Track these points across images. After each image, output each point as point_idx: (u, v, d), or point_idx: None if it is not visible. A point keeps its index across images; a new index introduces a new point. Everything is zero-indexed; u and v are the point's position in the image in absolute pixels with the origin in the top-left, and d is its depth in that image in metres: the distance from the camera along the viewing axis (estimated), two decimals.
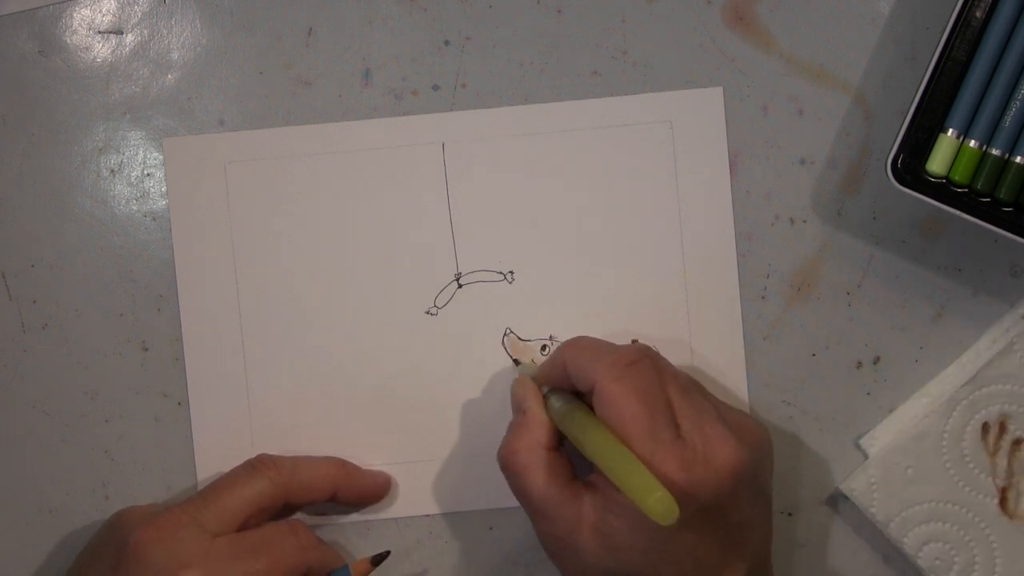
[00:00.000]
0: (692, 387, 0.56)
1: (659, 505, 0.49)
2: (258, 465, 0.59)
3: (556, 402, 0.57)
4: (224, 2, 0.63)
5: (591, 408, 0.55)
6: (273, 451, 0.61)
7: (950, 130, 0.58)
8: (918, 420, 0.61)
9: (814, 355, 0.63)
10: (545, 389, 0.58)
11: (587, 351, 0.56)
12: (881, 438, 0.62)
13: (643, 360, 0.55)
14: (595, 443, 0.53)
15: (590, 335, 0.62)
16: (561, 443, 0.57)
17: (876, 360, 0.63)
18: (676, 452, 0.52)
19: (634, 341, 0.62)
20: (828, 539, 0.63)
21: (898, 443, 0.61)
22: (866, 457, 0.62)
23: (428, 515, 0.63)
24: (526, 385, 0.59)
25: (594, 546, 0.54)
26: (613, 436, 0.53)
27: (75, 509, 0.63)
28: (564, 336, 0.63)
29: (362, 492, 0.62)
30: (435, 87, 0.63)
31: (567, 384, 0.57)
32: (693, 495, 0.52)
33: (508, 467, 0.57)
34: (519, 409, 0.58)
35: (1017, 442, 0.61)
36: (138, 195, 0.63)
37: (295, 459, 0.60)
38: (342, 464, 0.61)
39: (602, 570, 0.54)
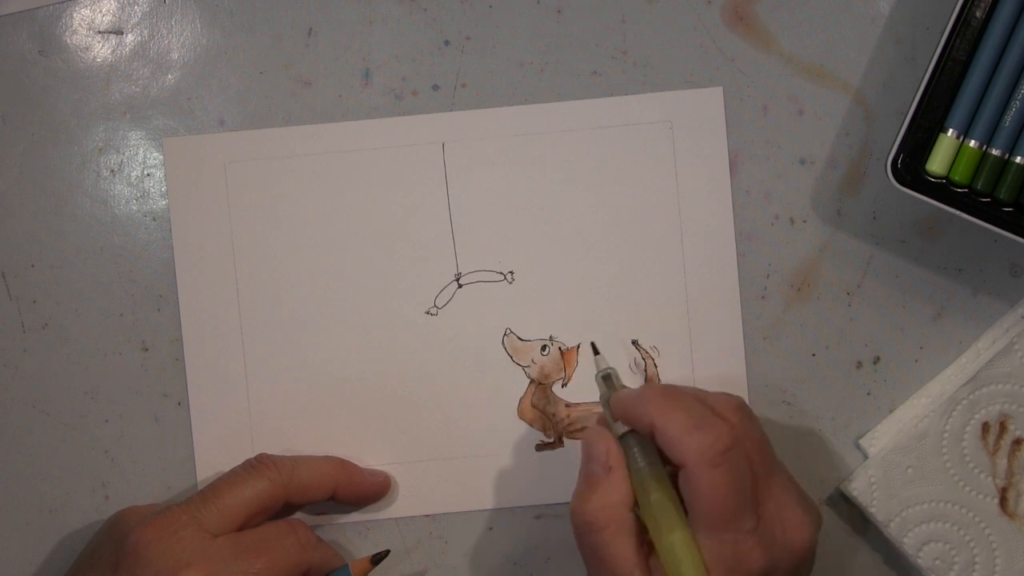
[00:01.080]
0: (772, 458, 0.55)
1: None
2: (258, 465, 0.59)
3: (639, 460, 0.55)
4: (224, 2, 0.63)
5: (671, 470, 0.54)
6: (273, 451, 0.61)
7: (950, 130, 0.58)
8: (918, 420, 0.61)
9: (814, 355, 0.63)
10: (622, 429, 0.56)
11: (678, 422, 0.53)
12: (881, 438, 0.62)
13: (736, 447, 0.53)
14: (670, 545, 0.52)
15: (590, 335, 0.62)
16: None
17: (876, 360, 0.63)
18: (759, 544, 0.52)
19: (634, 342, 0.62)
20: (828, 539, 0.63)
21: (898, 443, 0.61)
22: (866, 457, 0.62)
23: (428, 515, 0.63)
24: (610, 442, 0.56)
25: None
26: (692, 539, 0.52)
27: (75, 509, 0.63)
28: (564, 336, 0.63)
29: (362, 491, 0.62)
30: (435, 87, 0.63)
31: (647, 434, 0.55)
32: (769, 575, 0.53)
33: (588, 525, 0.54)
34: (602, 465, 0.55)
35: (1017, 442, 0.61)
36: (138, 195, 0.63)
37: (295, 459, 0.60)
38: (342, 463, 0.61)
39: None
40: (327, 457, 0.62)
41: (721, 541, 0.52)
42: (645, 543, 0.54)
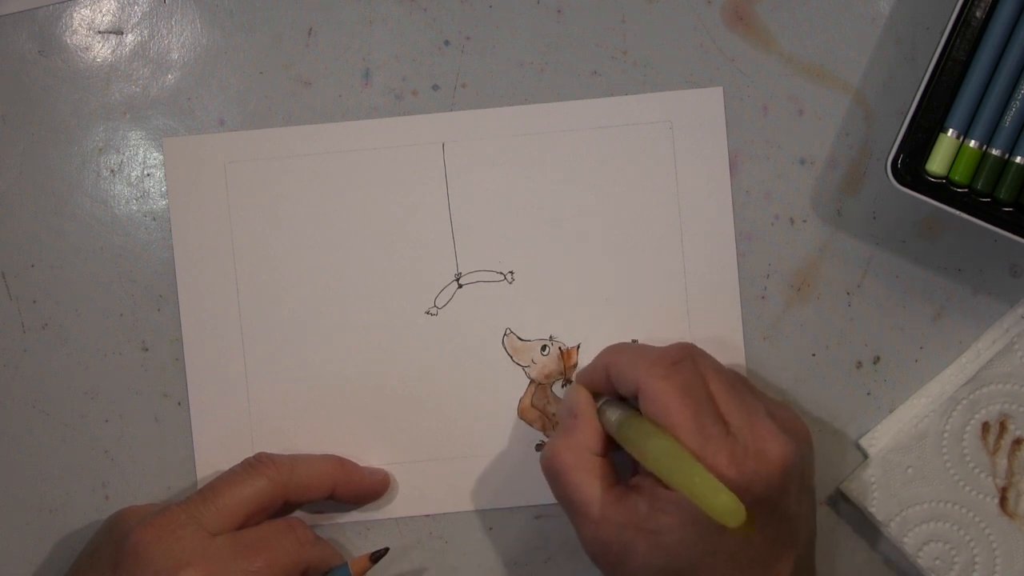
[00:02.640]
0: (739, 383, 0.56)
1: (726, 506, 0.49)
2: (257, 464, 0.59)
3: (612, 413, 0.56)
4: (224, 2, 0.63)
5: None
6: (273, 451, 0.61)
7: (950, 130, 0.58)
8: (918, 420, 0.61)
9: (814, 355, 0.63)
10: (600, 400, 0.58)
11: (628, 354, 0.56)
12: (881, 438, 0.62)
13: (685, 359, 0.55)
14: (656, 449, 0.52)
15: (590, 335, 0.62)
16: (607, 451, 0.57)
17: (876, 360, 0.63)
18: (727, 448, 0.52)
19: (634, 341, 0.63)
20: (828, 539, 0.63)
21: (898, 443, 0.61)
22: (866, 457, 0.62)
23: (428, 515, 0.63)
24: (580, 392, 0.58)
25: (644, 546, 0.54)
26: (674, 441, 0.52)
27: (75, 509, 0.63)
28: (564, 336, 0.63)
29: (361, 490, 0.62)
30: (435, 87, 0.63)
31: (609, 389, 0.57)
32: (745, 490, 0.52)
33: (553, 468, 0.56)
34: (570, 413, 0.58)
35: (1017, 442, 0.61)
36: (138, 195, 0.63)
37: (294, 457, 0.60)
38: (341, 462, 0.61)
39: (654, 569, 0.54)
40: (326, 456, 0.62)
41: (690, 449, 0.52)
42: (618, 486, 0.55)
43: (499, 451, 0.63)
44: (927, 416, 0.61)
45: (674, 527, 0.53)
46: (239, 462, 0.60)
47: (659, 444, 0.52)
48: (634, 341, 0.62)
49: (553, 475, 0.57)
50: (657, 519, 0.53)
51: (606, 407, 0.57)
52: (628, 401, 0.57)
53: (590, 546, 0.56)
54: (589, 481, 0.55)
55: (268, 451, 0.61)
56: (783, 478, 0.53)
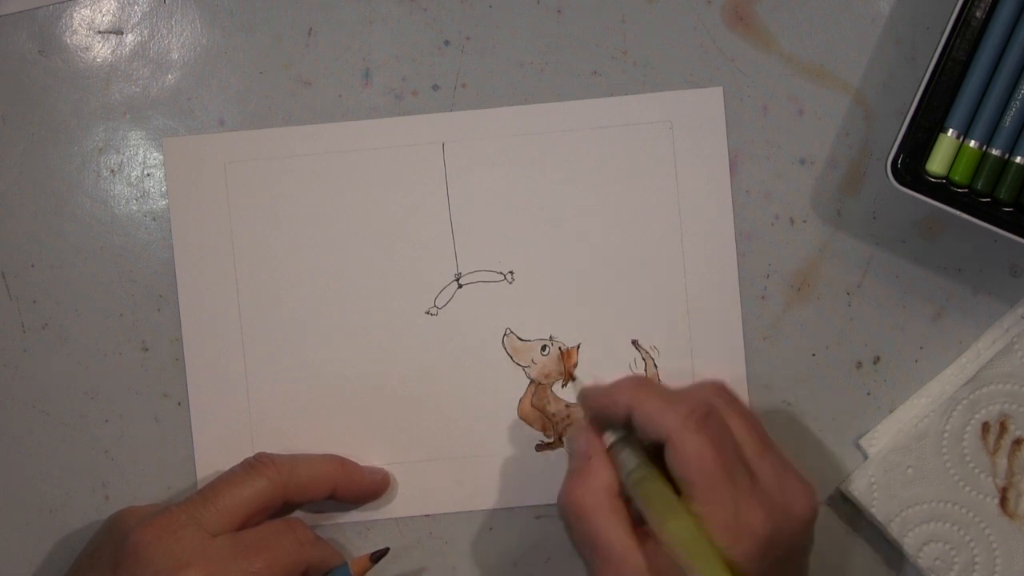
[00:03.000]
0: (759, 428, 0.56)
1: None
2: (257, 464, 0.59)
3: (628, 460, 0.55)
4: (224, 2, 0.63)
5: (658, 456, 0.54)
6: (273, 451, 0.61)
7: (950, 130, 0.58)
8: (918, 420, 0.61)
9: (814, 355, 0.63)
10: (612, 437, 0.56)
11: (655, 400, 0.54)
12: (881, 438, 0.62)
13: (715, 412, 0.54)
14: (674, 531, 0.52)
15: (590, 335, 0.62)
16: (623, 492, 0.56)
17: (876, 360, 0.63)
18: (759, 502, 0.52)
19: (634, 342, 0.62)
20: (828, 539, 0.63)
21: (898, 443, 0.61)
22: (866, 457, 0.62)
23: (428, 515, 0.63)
24: (590, 432, 0.57)
25: None
26: (695, 525, 0.52)
27: (75, 509, 0.63)
28: (564, 336, 0.63)
29: (361, 489, 0.62)
30: (435, 87, 0.63)
31: (617, 422, 0.56)
32: (775, 543, 0.52)
33: (574, 512, 0.55)
34: (583, 455, 0.56)
35: (1017, 442, 0.61)
36: (138, 195, 0.63)
37: (294, 457, 0.60)
38: (341, 461, 0.61)
39: None
40: (326, 455, 0.62)
41: (720, 505, 0.52)
42: (638, 529, 0.54)
43: (499, 451, 0.63)
44: (927, 416, 0.61)
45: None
46: (239, 462, 0.60)
47: (678, 527, 0.52)
48: (634, 342, 0.62)
49: (574, 519, 0.55)
50: (677, 571, 0.52)
51: (619, 448, 0.56)
52: (636, 438, 0.56)
53: None
54: (612, 525, 0.54)
55: (268, 451, 0.61)
56: (807, 530, 0.54)
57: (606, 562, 0.54)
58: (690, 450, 0.53)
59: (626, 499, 0.55)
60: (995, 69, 0.58)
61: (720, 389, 0.56)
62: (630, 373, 0.62)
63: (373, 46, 0.63)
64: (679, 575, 0.52)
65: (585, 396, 0.58)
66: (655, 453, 0.55)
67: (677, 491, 0.54)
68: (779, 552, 0.52)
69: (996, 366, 0.61)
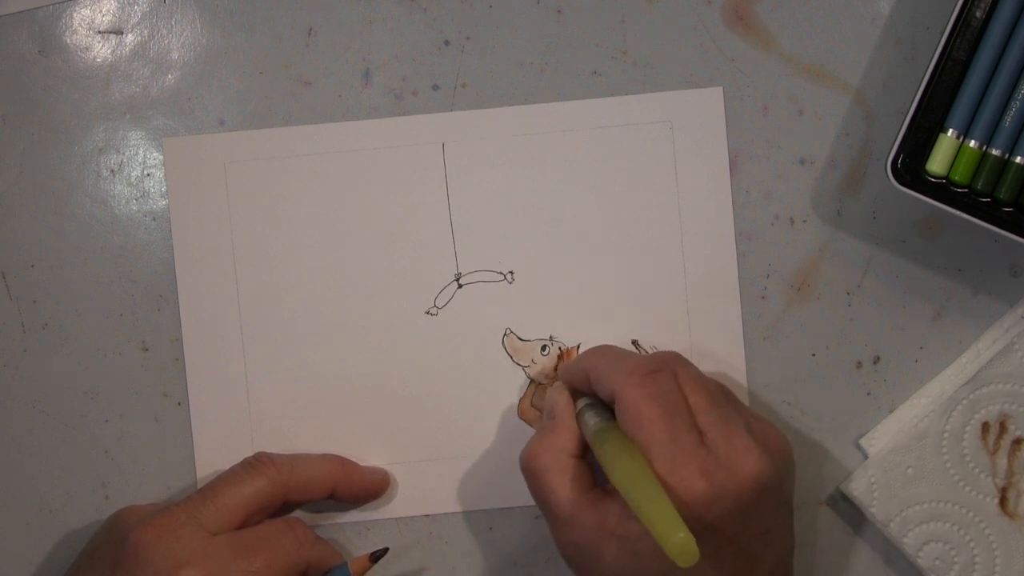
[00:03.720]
0: (720, 395, 0.56)
1: (679, 546, 0.49)
2: (256, 464, 0.59)
3: (591, 418, 0.56)
4: (224, 2, 0.63)
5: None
6: (273, 451, 0.61)
7: (950, 130, 0.58)
8: (918, 420, 0.61)
9: (814, 355, 0.63)
10: (583, 403, 0.58)
11: (608, 359, 0.56)
12: (881, 438, 0.62)
13: (664, 369, 0.55)
14: (622, 470, 0.52)
15: (590, 335, 0.62)
16: (586, 453, 0.57)
17: (876, 360, 0.63)
18: (698, 458, 0.52)
19: (634, 342, 0.63)
20: (828, 539, 0.63)
21: (898, 443, 0.61)
22: (866, 457, 0.62)
23: (428, 515, 0.63)
24: (560, 392, 0.59)
25: (616, 552, 0.53)
26: (642, 465, 0.52)
27: (75, 509, 0.63)
28: (564, 336, 0.63)
29: (361, 489, 0.62)
30: (435, 87, 0.63)
31: (590, 391, 0.57)
32: (715, 501, 0.52)
33: (530, 468, 0.56)
34: (549, 414, 0.58)
35: (1017, 442, 0.61)
36: (138, 195, 0.63)
37: (294, 457, 0.60)
38: (341, 461, 0.61)
39: (624, 574, 0.54)
40: (326, 455, 0.62)
41: (657, 459, 0.52)
42: (595, 490, 0.55)
43: (499, 451, 0.63)
44: (927, 416, 0.61)
45: (644, 534, 0.53)
46: (238, 462, 0.60)
47: (626, 466, 0.52)
48: (634, 342, 0.62)
49: (529, 475, 0.57)
50: (628, 525, 0.53)
51: (586, 411, 0.57)
52: (608, 407, 0.57)
53: (563, 549, 0.56)
54: (564, 483, 0.55)
55: (268, 451, 0.61)
56: (756, 493, 0.53)
57: (557, 519, 0.55)
58: (631, 403, 0.54)
59: (588, 462, 0.56)
60: (995, 69, 0.58)
61: (675, 355, 0.57)
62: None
63: (373, 46, 0.63)
64: (629, 532, 0.53)
65: (558, 370, 0.60)
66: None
67: None
68: (720, 510, 0.52)
69: (996, 366, 0.61)
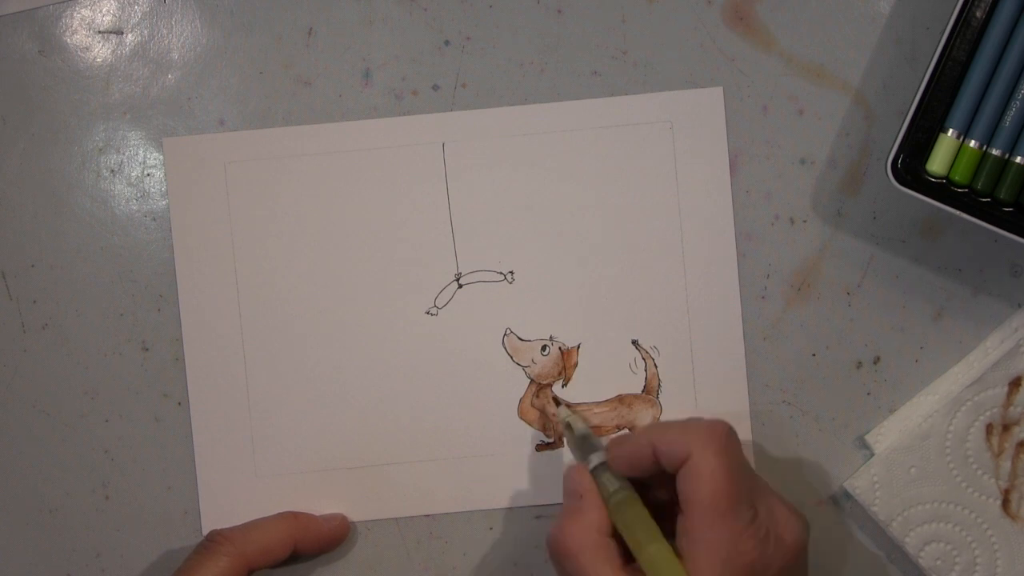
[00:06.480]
0: (746, 461, 0.57)
1: None
2: (211, 545, 0.59)
3: (610, 482, 0.56)
4: (224, 2, 0.63)
5: (642, 486, 0.56)
6: (273, 452, 0.61)
7: (950, 130, 0.58)
8: (922, 420, 0.61)
9: (814, 355, 0.63)
10: (595, 461, 0.57)
11: (676, 427, 0.56)
12: (888, 435, 0.62)
13: (734, 437, 0.55)
14: (655, 555, 0.53)
15: (590, 335, 0.62)
16: (615, 532, 0.56)
17: (876, 360, 0.63)
18: (754, 535, 0.53)
19: (634, 342, 0.62)
20: (829, 538, 0.63)
21: (901, 442, 0.61)
22: (872, 453, 0.62)
23: (428, 515, 0.63)
24: (582, 473, 0.57)
25: None
26: (670, 552, 0.53)
27: (75, 509, 0.63)
28: (564, 336, 0.63)
29: (320, 540, 0.61)
30: (435, 87, 0.63)
31: (645, 469, 0.56)
32: (765, 570, 0.53)
33: (563, 550, 0.55)
34: (574, 493, 0.57)
35: (1021, 444, 0.61)
36: (138, 195, 0.63)
37: (247, 526, 0.60)
38: (295, 517, 0.61)
39: None
40: (280, 515, 0.61)
41: (720, 532, 0.53)
42: (625, 570, 0.55)
43: (499, 451, 0.63)
44: (931, 416, 0.61)
45: None
46: (194, 548, 0.59)
47: (657, 551, 0.53)
48: (634, 342, 0.62)
49: (562, 557, 0.55)
50: None
51: (602, 471, 0.57)
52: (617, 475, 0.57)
53: None
54: (600, 563, 0.54)
55: (267, 454, 0.61)
56: (797, 558, 0.55)
57: None
58: (710, 470, 0.54)
59: (617, 539, 0.56)
60: (995, 69, 0.58)
61: (727, 425, 0.57)
62: (627, 371, 0.63)
63: (373, 46, 0.63)
64: None
65: (611, 460, 0.57)
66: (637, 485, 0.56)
67: (656, 516, 0.55)
68: None
69: (1002, 367, 0.61)
